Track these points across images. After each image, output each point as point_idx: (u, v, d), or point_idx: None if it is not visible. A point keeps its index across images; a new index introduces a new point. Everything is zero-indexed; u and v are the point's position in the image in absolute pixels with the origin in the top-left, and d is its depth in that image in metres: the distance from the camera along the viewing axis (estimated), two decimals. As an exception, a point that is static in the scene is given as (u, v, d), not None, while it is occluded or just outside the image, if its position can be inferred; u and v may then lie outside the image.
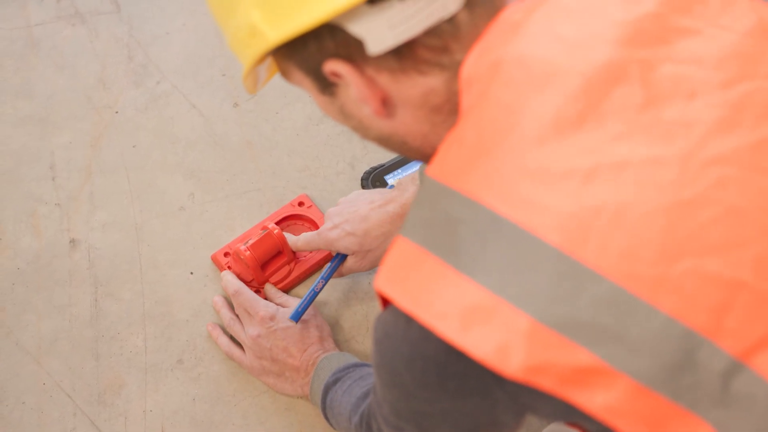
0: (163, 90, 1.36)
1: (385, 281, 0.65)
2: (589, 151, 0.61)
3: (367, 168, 1.28)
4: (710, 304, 0.59)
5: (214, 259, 1.21)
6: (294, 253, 1.19)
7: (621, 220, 0.59)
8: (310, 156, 1.30)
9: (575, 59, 0.64)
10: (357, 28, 0.65)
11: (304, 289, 1.19)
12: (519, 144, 0.62)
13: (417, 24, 0.65)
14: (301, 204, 1.24)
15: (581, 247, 0.59)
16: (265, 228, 1.17)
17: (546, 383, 0.59)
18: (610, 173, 0.60)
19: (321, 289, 1.12)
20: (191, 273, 1.21)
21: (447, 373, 0.66)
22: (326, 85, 0.71)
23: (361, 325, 1.17)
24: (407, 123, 0.72)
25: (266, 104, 1.35)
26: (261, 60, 0.71)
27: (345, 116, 0.74)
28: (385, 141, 0.75)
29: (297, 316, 1.10)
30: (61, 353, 1.14)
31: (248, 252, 1.14)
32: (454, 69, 0.68)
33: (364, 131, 0.75)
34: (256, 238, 1.15)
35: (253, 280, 1.17)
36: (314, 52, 0.68)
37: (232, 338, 1.14)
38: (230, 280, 1.15)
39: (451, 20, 0.66)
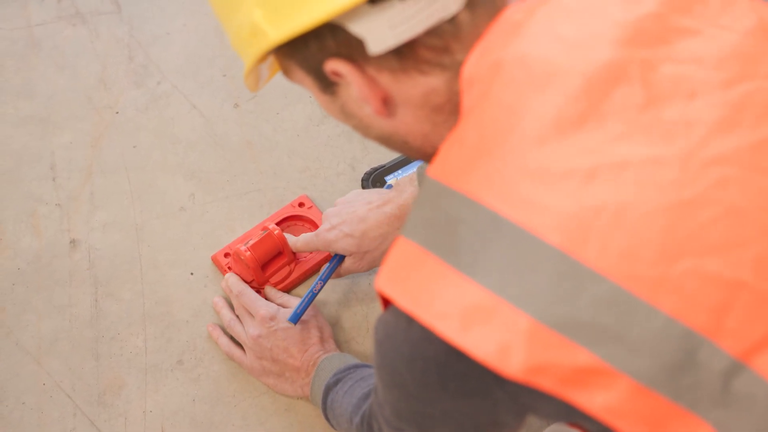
0: (163, 90, 1.36)
1: (385, 281, 0.65)
2: (589, 151, 0.61)
3: (367, 169, 1.28)
4: (710, 304, 0.59)
5: (215, 260, 1.21)
6: (294, 253, 1.19)
7: (621, 220, 0.59)
8: (310, 157, 1.30)
9: (576, 59, 0.64)
10: (358, 28, 0.65)
11: (305, 290, 1.19)
12: (520, 144, 0.62)
13: (418, 24, 0.65)
14: (301, 205, 1.24)
15: (581, 247, 0.59)
16: (265, 229, 1.17)
17: (546, 383, 0.59)
18: (610, 173, 0.60)
19: (320, 290, 1.12)
20: (191, 273, 1.21)
21: (447, 374, 0.66)
22: (327, 85, 0.71)
23: (361, 326, 1.17)
24: (408, 122, 0.72)
25: (267, 105, 1.35)
26: (262, 59, 0.71)
27: (346, 115, 0.74)
28: (386, 140, 0.75)
29: (296, 318, 1.10)
30: (61, 353, 1.14)
31: (248, 252, 1.14)
32: (455, 69, 0.68)
33: (365, 130, 0.75)
34: (257, 239, 1.15)
35: (253, 280, 1.17)
36: (315, 51, 0.68)
37: (232, 339, 1.14)
38: (234, 282, 1.15)
39: (452, 20, 0.66)
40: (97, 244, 1.22)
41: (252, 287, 1.16)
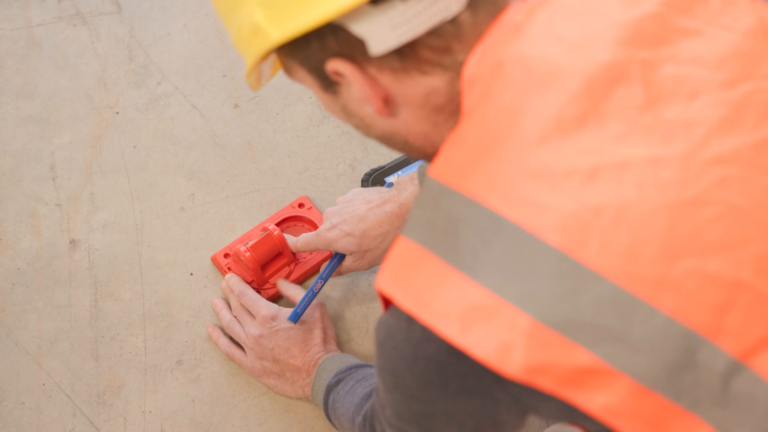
0: (163, 91, 1.36)
1: (386, 281, 0.65)
2: (590, 152, 0.61)
3: (367, 170, 1.28)
4: (711, 304, 0.59)
5: (214, 260, 1.21)
6: (294, 254, 1.19)
7: (622, 220, 0.59)
8: (310, 157, 1.30)
9: (577, 59, 0.64)
10: (359, 28, 0.65)
11: (305, 290, 1.18)
12: (520, 144, 0.62)
13: (419, 24, 0.65)
14: (301, 205, 1.24)
15: (582, 247, 0.59)
16: (265, 229, 1.17)
17: (546, 383, 0.59)
18: (611, 173, 0.60)
19: (320, 289, 1.12)
20: (191, 274, 1.21)
21: (448, 374, 0.66)
22: (329, 84, 0.71)
23: (361, 327, 1.17)
24: (409, 122, 0.72)
25: (267, 105, 1.35)
26: (264, 58, 0.71)
27: (347, 114, 0.74)
28: (387, 140, 0.75)
29: (296, 317, 1.10)
30: (61, 353, 1.14)
31: (248, 253, 1.14)
32: (456, 69, 0.68)
33: (366, 130, 0.75)
34: (257, 239, 1.15)
35: (253, 281, 1.17)
36: (317, 51, 0.68)
37: (232, 339, 1.14)
38: (235, 282, 1.15)
39: (454, 21, 0.66)
40: (97, 244, 1.22)
41: (252, 287, 1.16)
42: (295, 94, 1.36)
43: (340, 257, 1.13)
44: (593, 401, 0.59)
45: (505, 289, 0.59)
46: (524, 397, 0.66)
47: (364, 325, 1.17)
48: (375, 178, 1.25)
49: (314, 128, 1.33)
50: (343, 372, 1.03)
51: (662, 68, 0.64)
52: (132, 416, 1.10)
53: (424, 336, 0.64)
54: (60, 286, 1.19)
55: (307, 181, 1.28)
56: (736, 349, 0.59)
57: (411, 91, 0.69)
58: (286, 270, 1.19)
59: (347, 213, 1.11)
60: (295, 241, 1.16)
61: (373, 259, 1.12)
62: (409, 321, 0.65)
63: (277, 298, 1.18)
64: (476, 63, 0.66)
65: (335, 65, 0.68)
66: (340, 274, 1.15)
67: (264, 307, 1.11)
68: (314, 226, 1.23)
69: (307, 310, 1.12)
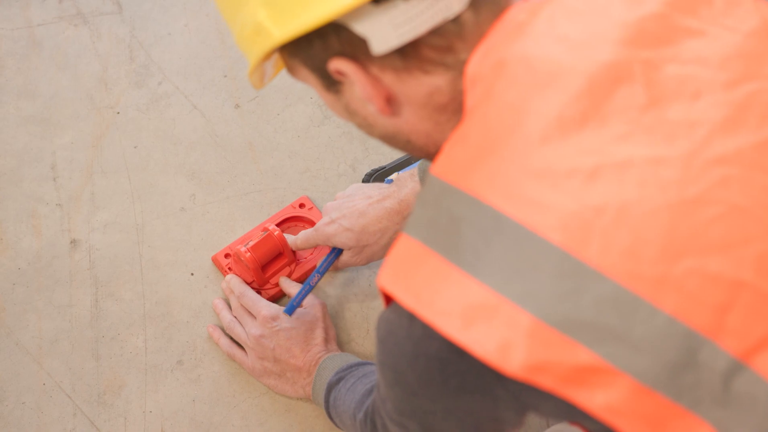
0: (164, 91, 1.37)
1: (387, 279, 0.65)
2: (592, 151, 0.61)
3: (368, 170, 1.28)
4: (712, 304, 0.59)
5: (215, 261, 1.21)
6: (294, 254, 1.19)
7: (623, 220, 0.59)
8: (311, 158, 1.30)
9: (579, 59, 0.64)
10: (361, 28, 0.65)
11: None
12: (523, 143, 0.62)
13: (421, 24, 0.65)
14: (302, 206, 1.24)
15: (583, 246, 0.59)
16: (265, 229, 1.17)
17: (546, 382, 0.59)
18: (613, 173, 0.61)
19: (316, 283, 1.12)
20: (192, 274, 1.21)
21: (449, 371, 0.66)
22: (331, 83, 0.71)
23: (361, 327, 1.17)
24: (412, 121, 0.72)
25: (268, 106, 1.35)
26: (267, 57, 0.71)
27: (350, 113, 0.74)
28: (389, 139, 0.75)
29: (291, 310, 1.10)
30: (62, 353, 1.14)
31: (249, 253, 1.14)
32: (458, 68, 0.68)
33: (368, 129, 0.75)
34: (257, 240, 1.15)
35: (253, 281, 1.17)
36: (319, 50, 0.68)
37: (233, 339, 1.14)
38: (235, 283, 1.15)
39: (456, 20, 0.66)
40: (97, 244, 1.22)
41: (252, 288, 1.16)
42: (296, 95, 1.36)
43: (337, 252, 1.13)
44: (594, 400, 0.59)
45: (506, 288, 0.59)
46: (524, 396, 0.66)
47: (364, 326, 1.17)
48: (376, 178, 1.25)
49: (315, 128, 1.33)
50: (344, 370, 1.03)
51: (665, 68, 0.64)
52: (132, 416, 1.10)
53: (425, 333, 0.65)
54: (60, 286, 1.19)
55: (308, 182, 1.28)
56: (737, 348, 0.59)
57: (413, 90, 0.69)
58: (287, 270, 1.19)
59: (347, 208, 1.11)
60: (294, 239, 1.16)
61: (371, 254, 1.12)
62: (411, 318, 0.65)
63: (277, 298, 1.18)
64: (479, 62, 0.66)
65: (337, 65, 0.68)
66: (338, 268, 1.15)
67: (264, 307, 1.11)
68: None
69: (309, 310, 1.12)
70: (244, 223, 1.25)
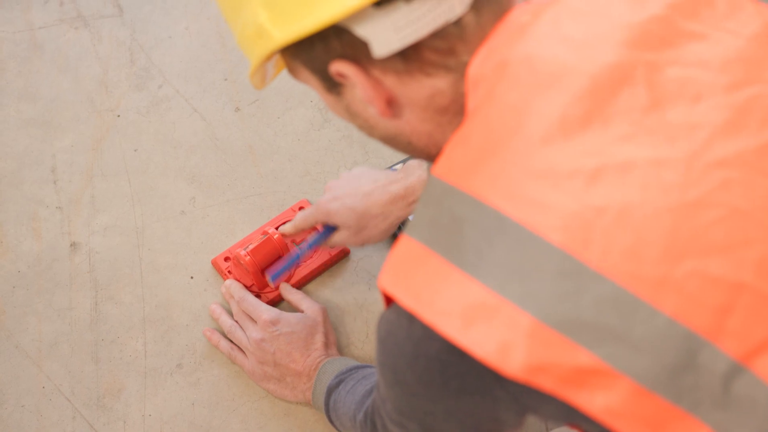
0: (165, 94, 1.37)
1: (388, 279, 0.65)
2: (593, 152, 0.61)
3: (368, 173, 1.28)
4: (712, 306, 0.59)
5: (215, 264, 1.21)
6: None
7: (624, 221, 0.59)
8: (311, 161, 1.31)
9: (582, 60, 0.64)
10: (363, 31, 0.65)
11: (307, 296, 1.18)
12: (524, 144, 0.62)
13: (423, 27, 0.65)
14: (302, 209, 1.24)
15: (584, 247, 0.59)
16: (265, 233, 1.17)
17: (546, 383, 0.59)
18: (614, 174, 0.61)
19: (303, 254, 1.12)
20: (191, 277, 1.21)
21: (449, 372, 0.66)
22: (332, 85, 0.71)
23: (361, 331, 1.17)
24: (413, 123, 0.72)
25: (268, 109, 1.35)
26: (268, 58, 0.71)
27: (351, 115, 0.74)
28: (390, 140, 0.75)
29: (274, 278, 1.11)
30: (61, 356, 1.14)
31: (248, 257, 1.14)
32: (460, 70, 0.68)
33: (370, 130, 0.75)
34: (257, 243, 1.15)
35: (253, 285, 1.17)
36: (320, 52, 0.68)
37: (232, 343, 1.14)
38: (235, 288, 1.15)
39: (458, 22, 0.66)
40: (97, 247, 1.22)
41: (251, 291, 1.16)
42: (296, 98, 1.36)
43: (331, 230, 1.12)
44: (593, 402, 0.59)
45: (506, 289, 0.59)
46: (524, 397, 0.66)
47: (364, 330, 1.17)
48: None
49: (315, 132, 1.33)
50: (344, 373, 1.03)
51: (667, 70, 0.65)
52: (132, 420, 1.10)
53: (425, 334, 0.65)
54: (60, 289, 1.19)
55: (308, 185, 1.28)
56: (737, 351, 0.59)
57: (415, 92, 0.69)
58: (286, 274, 1.19)
59: (352, 188, 1.10)
60: (291, 222, 1.15)
61: (368, 237, 1.11)
62: (411, 319, 0.65)
63: (277, 302, 1.18)
64: (481, 63, 0.66)
65: (339, 67, 0.68)
66: (330, 247, 1.14)
67: (265, 311, 1.11)
68: (314, 230, 1.22)
69: (309, 314, 1.12)
70: (244, 226, 1.25)
